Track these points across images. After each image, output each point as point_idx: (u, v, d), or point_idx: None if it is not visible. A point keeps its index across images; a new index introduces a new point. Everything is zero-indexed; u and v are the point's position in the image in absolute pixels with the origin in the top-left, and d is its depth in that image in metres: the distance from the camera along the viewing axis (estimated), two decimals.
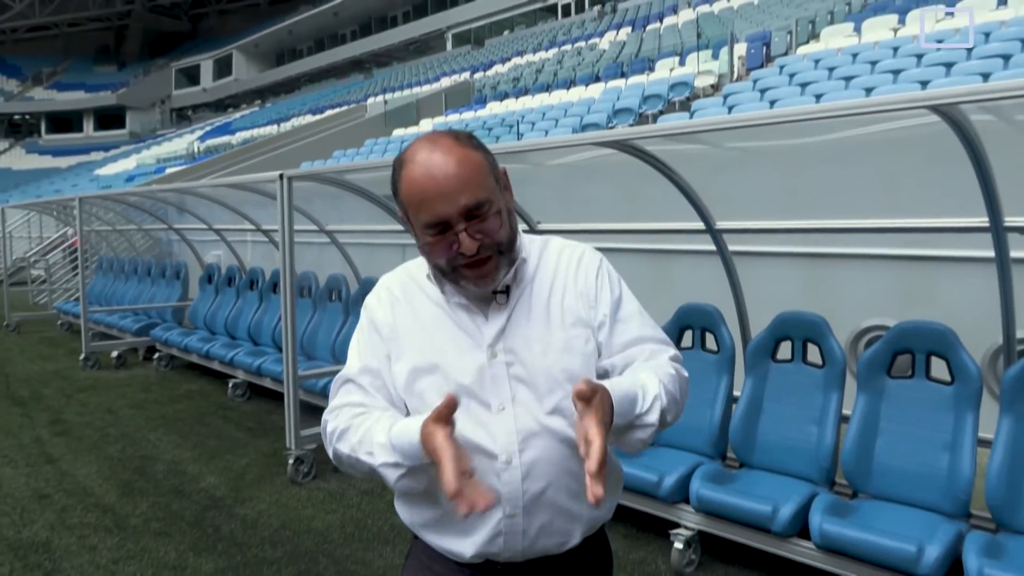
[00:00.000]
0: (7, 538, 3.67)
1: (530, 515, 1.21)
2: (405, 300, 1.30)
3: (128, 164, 33.07)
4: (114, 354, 8.03)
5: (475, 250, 1.15)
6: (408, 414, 1.29)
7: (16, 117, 53.00)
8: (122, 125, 49.56)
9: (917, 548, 2.56)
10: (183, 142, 33.18)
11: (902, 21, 11.80)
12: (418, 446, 1.10)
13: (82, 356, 7.89)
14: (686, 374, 1.30)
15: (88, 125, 51.35)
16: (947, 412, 2.97)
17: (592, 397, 1.04)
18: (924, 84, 8.13)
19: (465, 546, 1.24)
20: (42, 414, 6.03)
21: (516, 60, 23.93)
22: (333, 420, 1.26)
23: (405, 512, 1.34)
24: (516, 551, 1.23)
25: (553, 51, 22.61)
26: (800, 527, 2.95)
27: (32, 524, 3.84)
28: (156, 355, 7.90)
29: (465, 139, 1.20)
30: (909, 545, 2.58)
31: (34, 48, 54.80)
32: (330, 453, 1.27)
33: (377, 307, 1.32)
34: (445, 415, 1.06)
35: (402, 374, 1.26)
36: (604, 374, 1.27)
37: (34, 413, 6.07)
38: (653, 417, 1.16)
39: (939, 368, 3.05)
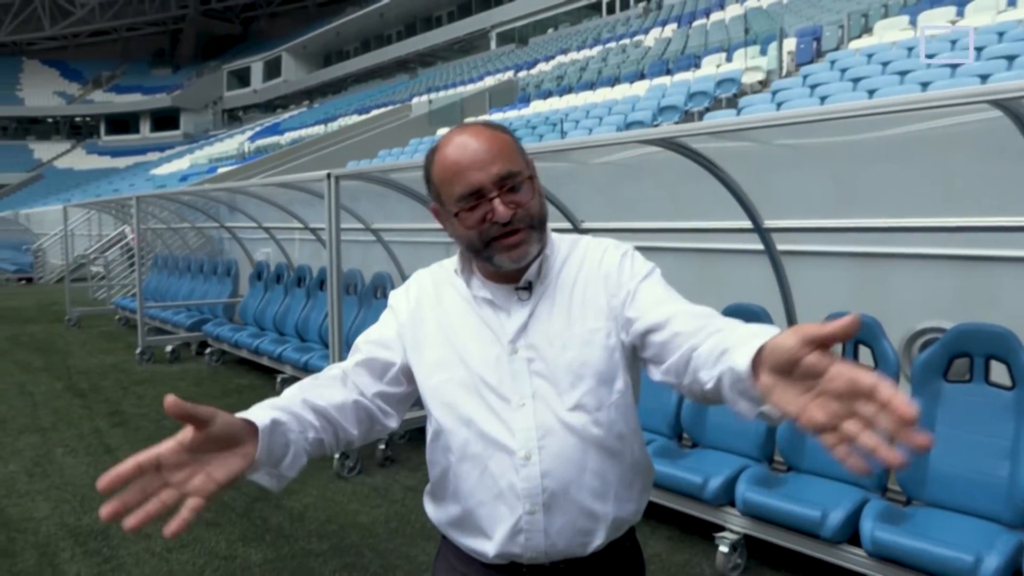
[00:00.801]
0: (68, 524, 3.82)
1: (550, 513, 1.20)
2: (434, 293, 1.31)
3: (182, 164, 34.09)
4: (168, 348, 8.28)
5: (508, 218, 1.16)
6: (410, 399, 1.31)
7: (77, 119, 55.17)
8: (176, 126, 51.16)
9: (975, 558, 2.48)
10: (234, 142, 34.05)
11: (960, 13, 11.39)
12: None
13: (138, 350, 8.15)
14: None
15: (144, 126, 53.13)
16: (1007, 418, 2.86)
17: (833, 339, 0.79)
18: (984, 78, 7.84)
19: (487, 545, 1.24)
20: (101, 405, 6.26)
21: (560, 58, 23.87)
22: None
23: (431, 509, 1.35)
24: (539, 550, 1.22)
25: (597, 49, 22.49)
26: (850, 534, 2.88)
27: (92, 511, 3.98)
28: (208, 350, 8.12)
29: (493, 125, 1.25)
30: (966, 555, 2.50)
31: (94, 52, 56.91)
32: None
33: (403, 298, 1.34)
34: (189, 418, 0.98)
35: (424, 365, 1.27)
36: (643, 336, 1.17)
37: (93, 404, 6.31)
38: None
39: (999, 372, 2.94)
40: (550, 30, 32.36)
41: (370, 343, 1.30)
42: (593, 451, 1.21)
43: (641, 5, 27.28)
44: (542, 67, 23.44)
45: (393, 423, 1.30)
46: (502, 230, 1.17)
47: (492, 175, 1.17)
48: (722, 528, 3.24)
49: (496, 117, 18.06)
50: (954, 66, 8.63)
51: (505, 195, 1.17)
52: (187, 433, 0.98)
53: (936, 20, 11.35)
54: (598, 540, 1.24)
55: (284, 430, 1.10)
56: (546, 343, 1.22)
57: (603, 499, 1.23)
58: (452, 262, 1.33)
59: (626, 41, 21.80)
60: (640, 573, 1.37)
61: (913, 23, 11.83)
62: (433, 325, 1.28)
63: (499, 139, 1.20)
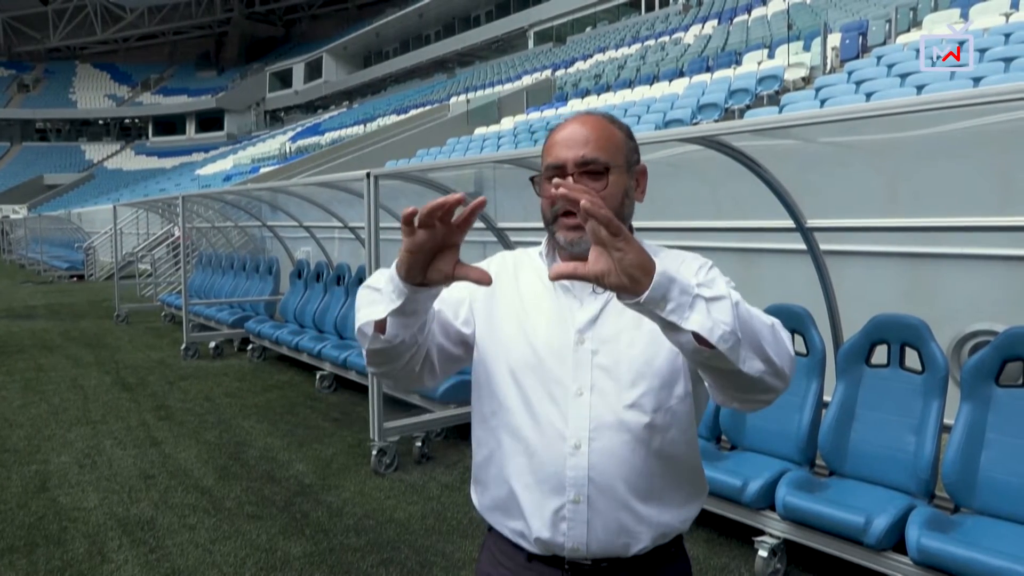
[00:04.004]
0: (117, 514, 3.94)
1: (594, 506, 1.21)
2: (513, 273, 1.34)
3: (226, 164, 34.82)
4: (212, 344, 8.47)
5: (572, 199, 1.19)
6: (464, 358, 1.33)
7: (126, 121, 56.80)
8: (220, 127, 52.28)
9: None
10: (276, 143, 34.65)
11: (1015, 5, 11.01)
12: (393, 273, 1.09)
13: (183, 346, 8.35)
14: (786, 335, 1.12)
15: (190, 127, 54.45)
16: None
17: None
18: None
19: (529, 528, 1.25)
20: (148, 400, 6.43)
21: (598, 56, 23.72)
22: None
23: (476, 494, 1.38)
24: (580, 542, 1.23)
25: (636, 47, 22.30)
26: (895, 541, 2.81)
27: (139, 502, 4.10)
28: (250, 346, 8.28)
29: (615, 119, 1.29)
30: (1019, 566, 2.41)
31: (143, 56, 58.57)
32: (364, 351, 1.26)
33: (484, 268, 1.36)
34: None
35: (491, 340, 1.29)
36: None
37: (140, 399, 6.48)
38: (721, 289, 1.00)
39: None
40: (588, 28, 32.20)
41: (441, 300, 1.31)
42: (644, 451, 1.22)
43: (681, 2, 26.97)
44: (580, 66, 23.33)
45: (433, 382, 1.32)
46: (564, 208, 1.21)
47: (577, 155, 1.22)
48: (761, 532, 3.18)
49: (533, 116, 18.04)
50: (1008, 60, 8.35)
51: (581, 178, 1.21)
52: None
53: (988, 13, 10.99)
54: (641, 543, 1.24)
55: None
56: (613, 338, 1.24)
57: (648, 500, 1.23)
58: (536, 249, 1.37)
59: (665, 38, 21.57)
60: None
61: (964, 16, 11.46)
62: (507, 303, 1.31)
63: (602, 129, 1.25)
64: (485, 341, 1.31)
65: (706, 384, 1.14)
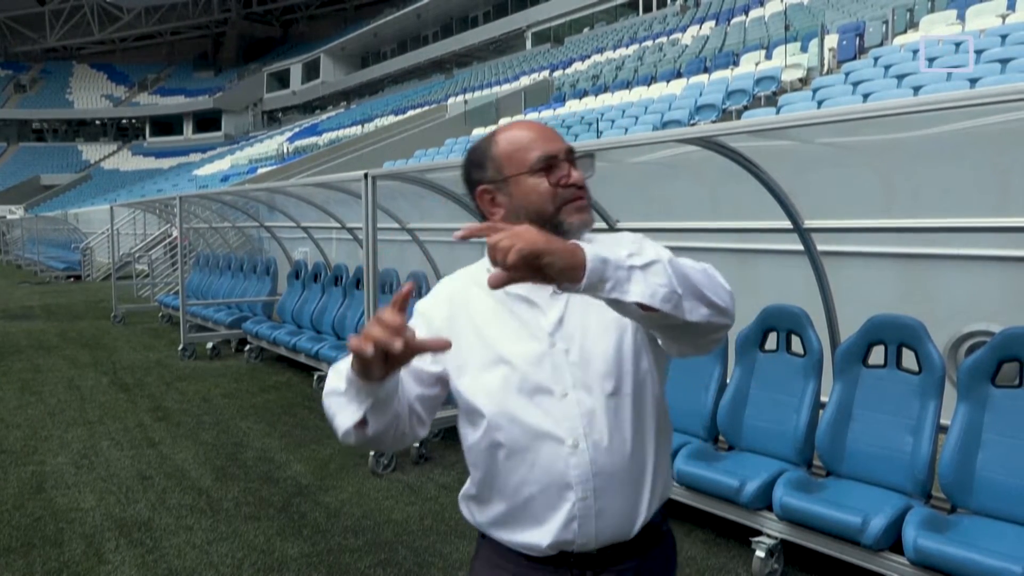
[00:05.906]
0: (114, 515, 3.93)
1: (600, 497, 1.24)
2: (462, 298, 1.32)
3: (223, 165, 34.77)
4: (209, 345, 8.46)
5: (582, 182, 1.28)
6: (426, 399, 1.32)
7: (124, 121, 56.71)
8: (218, 128, 52.19)
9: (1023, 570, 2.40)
10: (273, 143, 34.61)
11: (1011, 7, 11.04)
12: (353, 377, 1.11)
13: (180, 347, 8.35)
14: (719, 274, 1.15)
15: (187, 128, 54.36)
16: None
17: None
18: None
19: (541, 536, 1.25)
20: (145, 400, 6.42)
21: (596, 57, 23.74)
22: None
23: (473, 511, 1.35)
24: (590, 536, 1.24)
25: (634, 47, 22.32)
26: (892, 541, 2.81)
27: (135, 503, 4.09)
28: (247, 347, 8.27)
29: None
30: (1015, 566, 2.42)
31: (140, 56, 58.49)
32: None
33: (434, 305, 1.34)
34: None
35: (464, 369, 1.28)
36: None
37: (137, 399, 6.47)
38: (650, 253, 1.03)
39: None
40: (586, 29, 32.21)
41: None
42: (634, 431, 1.26)
43: (679, 3, 26.99)
44: (578, 66, 23.34)
45: (423, 431, 1.32)
46: (575, 193, 1.26)
47: (564, 147, 1.29)
48: (759, 532, 3.19)
49: (531, 117, 18.06)
50: (1005, 61, 8.37)
51: (570, 165, 1.29)
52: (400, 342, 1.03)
53: (985, 15, 11.02)
54: (640, 521, 1.28)
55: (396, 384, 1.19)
56: (581, 333, 1.26)
57: (649, 474, 1.28)
58: (478, 266, 1.34)
59: (663, 39, 21.59)
60: (673, 555, 1.41)
61: (961, 18, 11.50)
62: (468, 329, 1.29)
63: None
64: (459, 372, 1.29)
65: (659, 342, 1.21)
